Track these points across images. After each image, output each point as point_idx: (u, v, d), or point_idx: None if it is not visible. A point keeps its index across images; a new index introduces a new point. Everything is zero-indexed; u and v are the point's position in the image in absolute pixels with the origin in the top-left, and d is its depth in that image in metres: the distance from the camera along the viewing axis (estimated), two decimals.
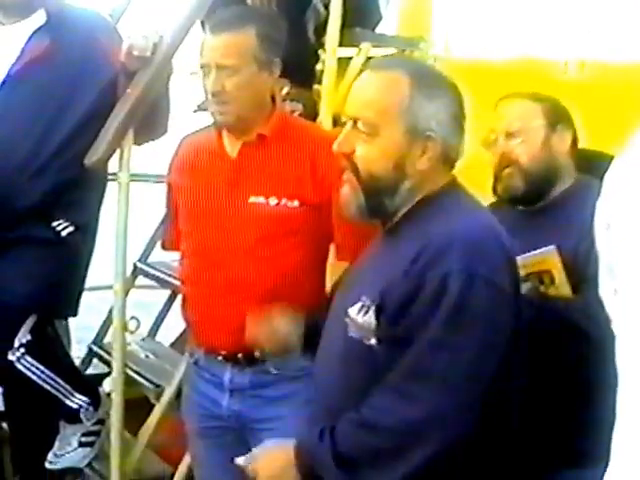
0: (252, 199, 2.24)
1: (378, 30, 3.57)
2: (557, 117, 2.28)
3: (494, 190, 2.28)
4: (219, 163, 2.31)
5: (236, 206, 2.26)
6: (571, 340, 1.78)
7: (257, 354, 2.25)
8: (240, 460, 1.86)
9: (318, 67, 3.25)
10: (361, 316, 1.71)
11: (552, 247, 2.04)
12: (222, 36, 2.21)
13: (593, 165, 2.25)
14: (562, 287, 2.03)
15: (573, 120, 2.33)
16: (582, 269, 1.91)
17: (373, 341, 1.70)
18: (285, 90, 3.13)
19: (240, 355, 2.29)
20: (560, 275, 2.02)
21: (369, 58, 3.29)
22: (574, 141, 2.30)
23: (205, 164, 2.35)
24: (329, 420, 1.75)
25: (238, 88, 2.21)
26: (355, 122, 1.74)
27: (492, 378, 1.65)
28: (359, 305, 1.72)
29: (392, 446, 1.66)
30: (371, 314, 1.69)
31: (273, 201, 2.23)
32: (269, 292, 2.23)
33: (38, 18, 2.77)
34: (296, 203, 2.22)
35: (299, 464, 1.76)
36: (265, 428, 2.27)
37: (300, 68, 3.16)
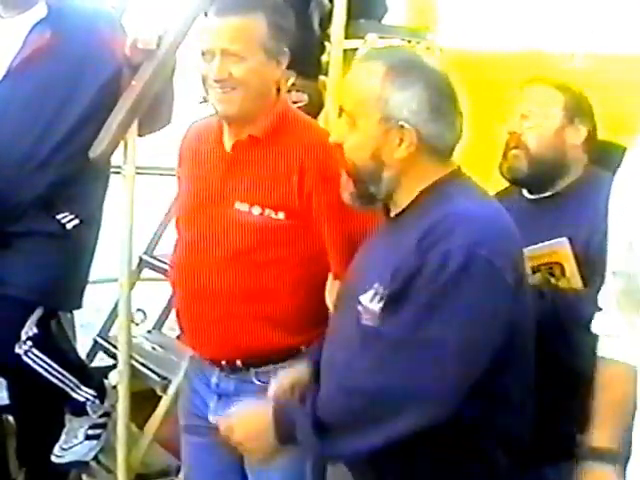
0: (237, 205, 2.15)
1: (384, 21, 3.56)
2: (577, 110, 2.28)
3: (500, 168, 2.29)
4: (215, 157, 2.23)
5: (223, 208, 2.17)
6: (582, 332, 1.77)
7: (239, 362, 2.23)
8: (215, 419, 1.78)
9: (324, 58, 3.24)
10: (375, 303, 1.72)
11: (564, 239, 2.04)
12: (229, 19, 2.07)
13: (603, 156, 2.25)
14: (573, 279, 2.02)
15: (594, 116, 2.32)
16: (594, 262, 1.90)
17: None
18: (291, 81, 3.13)
19: (223, 362, 2.24)
20: (571, 267, 2.02)
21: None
22: (590, 136, 2.29)
23: (203, 155, 2.27)
24: None
25: (245, 75, 2.08)
26: (342, 112, 1.80)
27: (482, 363, 1.65)
28: (372, 292, 1.73)
29: (368, 412, 1.66)
30: (383, 300, 1.71)
31: (256, 211, 2.13)
32: (250, 301, 2.17)
33: (39, 11, 2.76)
34: (281, 215, 2.12)
35: (277, 426, 1.76)
36: None
37: (306, 59, 3.16)
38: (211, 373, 2.28)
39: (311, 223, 2.13)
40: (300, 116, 2.32)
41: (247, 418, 1.85)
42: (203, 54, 2.12)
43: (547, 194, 2.25)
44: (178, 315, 2.37)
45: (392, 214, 1.85)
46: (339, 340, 1.86)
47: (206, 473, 2.37)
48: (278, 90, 2.22)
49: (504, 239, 1.71)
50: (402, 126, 1.74)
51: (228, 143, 2.21)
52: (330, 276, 2.22)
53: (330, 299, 2.19)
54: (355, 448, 1.69)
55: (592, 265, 1.94)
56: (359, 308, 1.75)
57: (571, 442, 1.75)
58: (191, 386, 2.39)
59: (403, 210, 1.81)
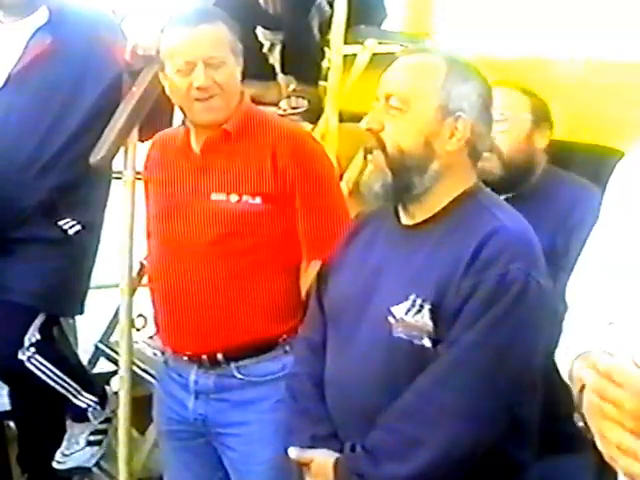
0: (214, 196, 2.19)
1: (383, 27, 3.57)
2: (542, 114, 2.36)
3: None
4: (185, 159, 2.27)
5: (199, 203, 2.21)
6: (550, 325, 1.78)
7: (220, 356, 2.23)
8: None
9: (324, 64, 3.25)
10: (411, 315, 1.69)
11: None
12: (202, 28, 2.14)
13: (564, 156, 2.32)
14: None
15: (553, 120, 2.40)
16: (561, 259, 1.91)
17: (426, 341, 1.68)
18: (291, 87, 3.13)
19: (204, 356, 2.25)
20: None
21: (374, 55, 3.30)
22: (551, 140, 2.37)
23: (172, 160, 2.31)
24: (360, 422, 1.74)
25: (227, 79, 2.15)
26: (387, 99, 1.76)
27: (532, 386, 1.69)
28: (407, 304, 1.70)
29: (426, 433, 1.65)
30: (425, 313, 1.68)
31: (234, 198, 2.17)
32: (232, 292, 2.20)
33: (40, 16, 2.78)
34: (258, 200, 2.16)
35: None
36: (230, 433, 2.26)
37: (306, 65, 3.17)
38: (189, 372, 2.29)
39: (287, 206, 2.18)
40: (266, 112, 2.43)
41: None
42: (179, 69, 2.15)
43: (511, 194, 2.27)
44: (157, 313, 2.38)
45: (410, 220, 1.82)
46: (351, 355, 1.81)
47: (192, 474, 2.37)
48: (241, 93, 2.27)
49: (541, 257, 1.74)
50: (459, 116, 1.74)
51: (196, 145, 2.25)
52: (303, 263, 2.26)
53: (304, 285, 2.22)
54: (408, 469, 1.66)
55: (558, 262, 1.95)
56: (390, 320, 1.72)
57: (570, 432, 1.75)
58: (167, 391, 2.38)
59: (428, 218, 1.78)
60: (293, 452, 1.86)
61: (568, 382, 1.35)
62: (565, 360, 1.38)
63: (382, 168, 1.76)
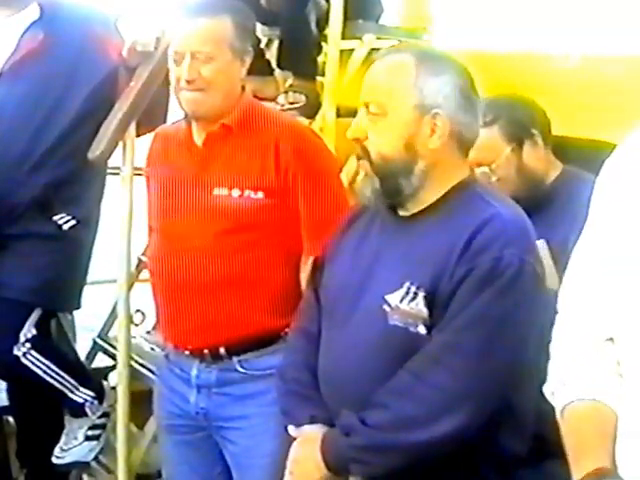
0: (216, 191, 2.20)
1: (381, 22, 3.57)
2: (520, 131, 2.29)
3: None
4: (187, 154, 2.28)
5: (201, 198, 2.22)
6: (543, 310, 1.79)
7: (222, 350, 2.24)
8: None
9: (321, 59, 3.25)
10: (406, 303, 1.70)
11: (541, 241, 2.02)
12: (199, 21, 2.16)
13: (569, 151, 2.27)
14: (550, 279, 2.02)
15: (538, 116, 2.32)
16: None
17: (421, 329, 1.70)
18: (288, 82, 3.14)
19: (206, 351, 2.26)
20: (549, 268, 2.00)
21: (372, 49, 3.30)
22: (545, 138, 2.30)
23: (174, 155, 2.32)
24: (355, 410, 1.74)
25: (214, 75, 2.16)
26: (367, 107, 1.77)
27: (523, 370, 1.69)
28: (402, 292, 1.71)
29: (421, 413, 1.66)
30: (419, 301, 1.69)
31: (236, 193, 2.18)
32: (233, 286, 2.21)
33: (31, 12, 2.76)
34: (260, 195, 2.17)
35: (324, 451, 1.77)
36: (231, 427, 2.27)
37: (303, 60, 3.17)
38: (190, 366, 2.30)
39: (289, 200, 2.19)
40: (266, 107, 2.43)
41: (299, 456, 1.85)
42: (175, 56, 2.19)
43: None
44: (158, 308, 2.38)
45: (406, 212, 1.82)
46: (345, 343, 1.82)
47: (191, 468, 2.38)
48: (242, 88, 2.29)
49: (536, 245, 1.75)
50: (436, 114, 1.73)
51: (199, 139, 2.26)
52: (303, 256, 2.26)
53: (304, 279, 2.23)
54: (402, 441, 1.67)
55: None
56: (385, 308, 1.73)
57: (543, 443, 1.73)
58: (166, 385, 2.39)
59: (423, 209, 1.79)
60: (292, 430, 1.88)
61: (560, 421, 1.33)
62: (558, 397, 1.36)
63: (370, 175, 1.78)
